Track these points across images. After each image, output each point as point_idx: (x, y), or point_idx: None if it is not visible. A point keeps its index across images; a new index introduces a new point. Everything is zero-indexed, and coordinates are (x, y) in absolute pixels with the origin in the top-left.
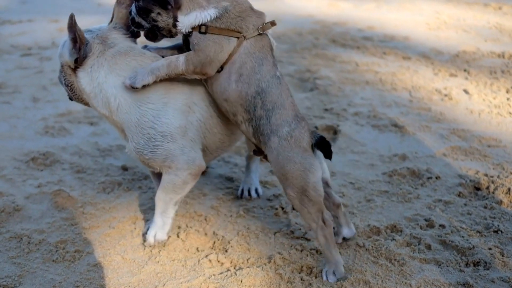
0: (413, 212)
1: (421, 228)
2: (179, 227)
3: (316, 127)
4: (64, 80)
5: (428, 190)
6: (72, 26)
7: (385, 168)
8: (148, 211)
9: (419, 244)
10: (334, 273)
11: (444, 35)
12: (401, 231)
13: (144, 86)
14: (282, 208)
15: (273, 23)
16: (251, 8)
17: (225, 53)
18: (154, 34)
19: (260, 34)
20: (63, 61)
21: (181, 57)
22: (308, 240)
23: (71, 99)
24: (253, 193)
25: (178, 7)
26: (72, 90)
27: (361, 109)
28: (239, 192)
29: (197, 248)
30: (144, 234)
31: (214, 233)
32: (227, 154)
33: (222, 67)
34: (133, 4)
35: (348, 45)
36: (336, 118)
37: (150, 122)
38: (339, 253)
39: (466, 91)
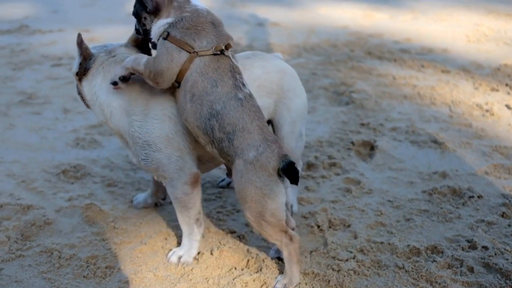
0: (455, 232)
1: (463, 249)
2: (212, 244)
3: (352, 143)
4: (77, 89)
5: (470, 210)
6: (79, 43)
7: (425, 186)
8: (179, 227)
9: (461, 267)
10: (285, 286)
11: (484, 48)
12: (442, 252)
13: (124, 80)
14: (318, 226)
15: (228, 45)
16: (213, 25)
17: (174, 66)
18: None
19: (216, 54)
20: (72, 72)
21: (145, 58)
22: (346, 260)
23: (88, 107)
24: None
25: (156, 12)
26: (82, 99)
27: (399, 124)
28: None
29: (230, 267)
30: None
31: (248, 251)
32: None
33: (179, 84)
34: None
35: (384, 57)
36: (373, 133)
37: (136, 132)
38: (299, 271)
39: (508, 107)
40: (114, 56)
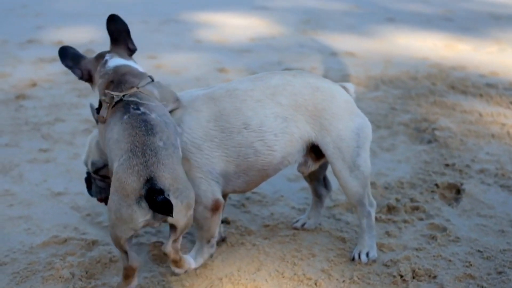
0: None
1: None
2: None
3: (436, 185)
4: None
5: None
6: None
7: None
8: (252, 271)
9: None
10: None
11: None
12: None
13: None
14: (401, 276)
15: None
16: (112, 82)
17: None
18: None
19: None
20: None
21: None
22: None
23: None
24: (363, 257)
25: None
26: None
27: (487, 166)
28: (352, 254)
29: None
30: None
31: None
32: (338, 211)
33: None
34: None
35: (469, 92)
36: (459, 175)
37: None
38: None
39: None
40: None
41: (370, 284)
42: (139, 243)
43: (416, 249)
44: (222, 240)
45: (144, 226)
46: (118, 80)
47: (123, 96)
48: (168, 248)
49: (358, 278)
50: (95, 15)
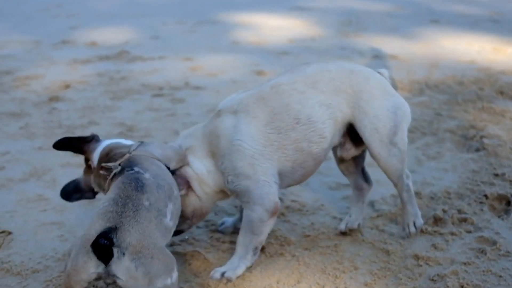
0: None
1: None
2: None
3: (485, 196)
4: None
5: None
6: None
7: None
8: (291, 283)
9: None
10: None
11: None
12: None
13: None
14: None
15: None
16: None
17: None
18: None
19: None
20: None
21: None
22: None
23: None
24: (412, 229)
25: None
26: None
27: None
28: (402, 229)
29: None
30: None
31: None
32: (382, 221)
33: None
34: None
35: None
36: (509, 186)
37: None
38: None
39: None
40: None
41: None
42: (174, 252)
43: (464, 264)
44: None
45: (97, 280)
46: (108, 158)
47: (119, 164)
48: None
49: None
50: (130, 15)
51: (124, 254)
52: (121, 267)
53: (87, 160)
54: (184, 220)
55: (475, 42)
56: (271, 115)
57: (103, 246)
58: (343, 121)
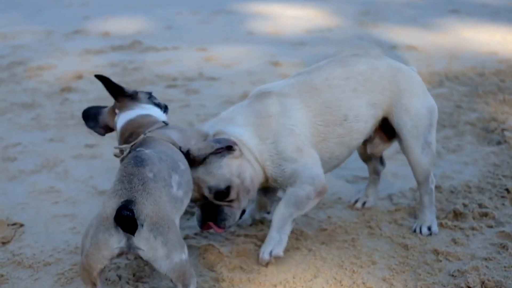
0: None
1: None
2: None
3: (507, 190)
4: None
5: None
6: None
7: None
8: (308, 278)
9: None
10: None
11: None
12: None
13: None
14: None
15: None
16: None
17: None
18: None
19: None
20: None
21: None
22: None
23: None
24: (424, 230)
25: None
26: None
27: None
28: (414, 227)
29: None
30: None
31: None
32: (400, 215)
33: None
34: None
35: None
36: None
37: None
38: None
39: None
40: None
41: None
42: (188, 245)
43: (485, 259)
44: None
45: (118, 256)
46: (129, 135)
47: (132, 146)
48: None
49: None
50: (143, 5)
51: (142, 225)
52: (140, 238)
53: (113, 108)
54: (245, 195)
55: (497, 33)
56: (323, 108)
57: (127, 218)
58: (380, 118)
